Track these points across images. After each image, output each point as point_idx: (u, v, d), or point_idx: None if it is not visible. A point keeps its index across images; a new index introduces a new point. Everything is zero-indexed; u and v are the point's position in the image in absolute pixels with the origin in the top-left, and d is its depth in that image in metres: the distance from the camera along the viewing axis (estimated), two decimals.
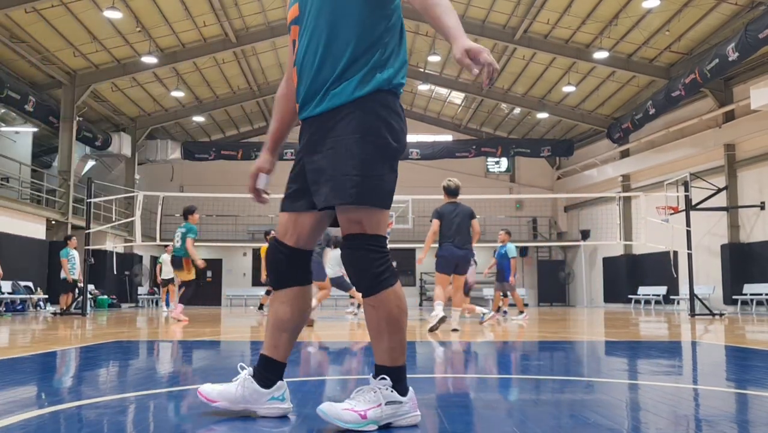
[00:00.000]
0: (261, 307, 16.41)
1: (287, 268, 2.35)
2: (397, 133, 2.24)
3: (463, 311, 10.09)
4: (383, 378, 2.19)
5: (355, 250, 2.19)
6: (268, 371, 2.35)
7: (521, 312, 12.57)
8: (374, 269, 2.17)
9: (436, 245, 8.62)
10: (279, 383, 2.36)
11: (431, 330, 7.89)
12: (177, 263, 11.58)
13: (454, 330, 8.17)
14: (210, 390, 2.40)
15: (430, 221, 8.53)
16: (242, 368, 2.40)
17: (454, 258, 8.36)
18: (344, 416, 2.11)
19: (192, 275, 11.46)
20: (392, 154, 2.24)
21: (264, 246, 14.03)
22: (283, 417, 2.35)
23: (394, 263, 2.33)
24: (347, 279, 12.12)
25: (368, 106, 2.19)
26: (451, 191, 8.67)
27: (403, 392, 2.20)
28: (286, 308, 2.35)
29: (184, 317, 11.23)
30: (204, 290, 29.02)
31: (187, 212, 11.57)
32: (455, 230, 8.34)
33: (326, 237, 9.69)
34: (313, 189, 2.24)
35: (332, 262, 10.62)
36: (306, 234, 2.37)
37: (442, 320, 7.98)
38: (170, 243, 15.33)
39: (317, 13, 2.27)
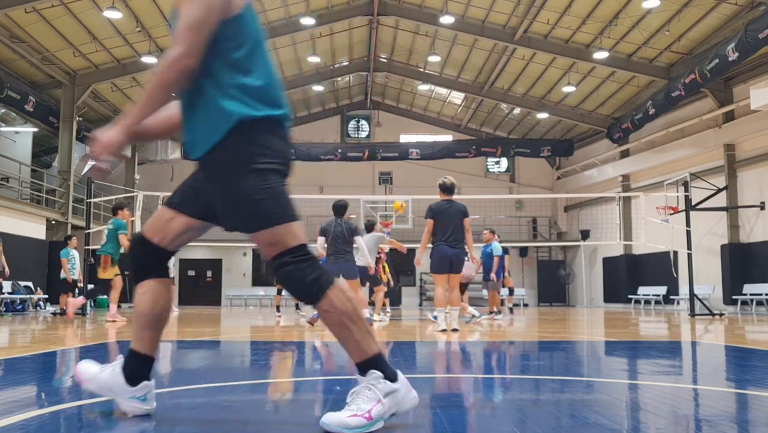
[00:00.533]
0: (297, 307, 15.64)
1: (146, 263, 2.40)
2: (268, 155, 2.21)
3: (462, 310, 10.11)
4: (372, 372, 2.18)
5: (284, 266, 2.21)
6: (135, 366, 2.36)
7: (498, 312, 12.58)
8: (308, 276, 2.20)
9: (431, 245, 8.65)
10: (144, 383, 2.35)
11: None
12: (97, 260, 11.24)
13: (454, 330, 8.18)
14: (86, 369, 2.44)
15: (426, 219, 8.52)
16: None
17: (447, 257, 8.40)
18: (350, 422, 2.08)
19: (109, 274, 11.11)
20: (271, 173, 2.21)
21: None
22: (147, 416, 2.35)
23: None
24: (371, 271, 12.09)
25: (234, 141, 2.19)
26: (447, 188, 8.69)
27: (393, 377, 2.20)
28: (145, 299, 2.41)
29: (121, 318, 10.75)
30: (204, 290, 29.07)
31: (117, 208, 11.33)
32: (450, 229, 8.36)
33: (350, 230, 9.54)
34: (218, 211, 2.31)
35: (364, 250, 10.05)
36: (172, 236, 2.41)
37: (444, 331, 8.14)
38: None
39: None
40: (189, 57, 2.10)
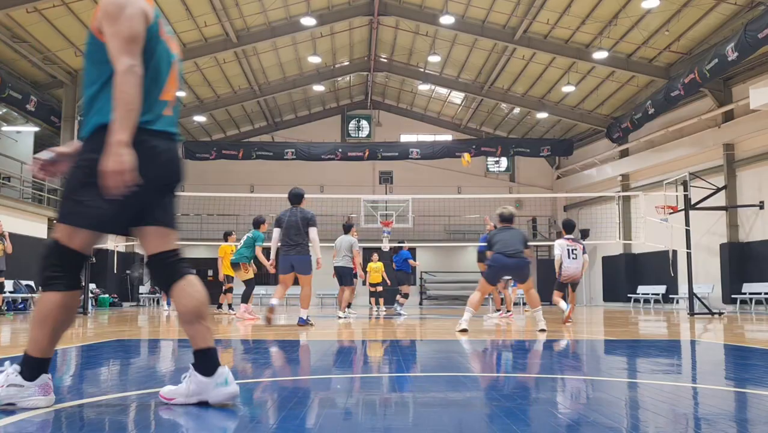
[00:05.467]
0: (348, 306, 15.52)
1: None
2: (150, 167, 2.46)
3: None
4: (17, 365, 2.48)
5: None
6: (203, 360, 2.57)
7: (506, 310, 12.52)
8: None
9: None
10: (219, 369, 2.56)
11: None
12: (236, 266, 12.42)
13: (542, 330, 8.06)
14: (168, 391, 2.62)
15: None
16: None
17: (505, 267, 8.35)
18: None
19: (250, 274, 12.36)
20: (95, 183, 2.37)
21: (223, 245, 13.87)
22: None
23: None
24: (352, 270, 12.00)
25: (91, 143, 2.45)
26: (505, 218, 8.64)
27: (30, 377, 2.45)
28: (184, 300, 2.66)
29: (250, 316, 11.31)
30: (205, 289, 29.03)
31: (259, 222, 12.22)
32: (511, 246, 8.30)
33: (304, 219, 9.00)
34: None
35: (316, 243, 9.26)
36: (159, 241, 2.63)
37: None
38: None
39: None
40: (138, 65, 2.38)
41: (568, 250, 10.30)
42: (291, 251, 9.02)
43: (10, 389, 2.43)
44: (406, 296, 14.92)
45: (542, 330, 7.94)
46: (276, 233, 9.18)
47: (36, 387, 2.46)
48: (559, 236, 12.16)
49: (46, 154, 2.62)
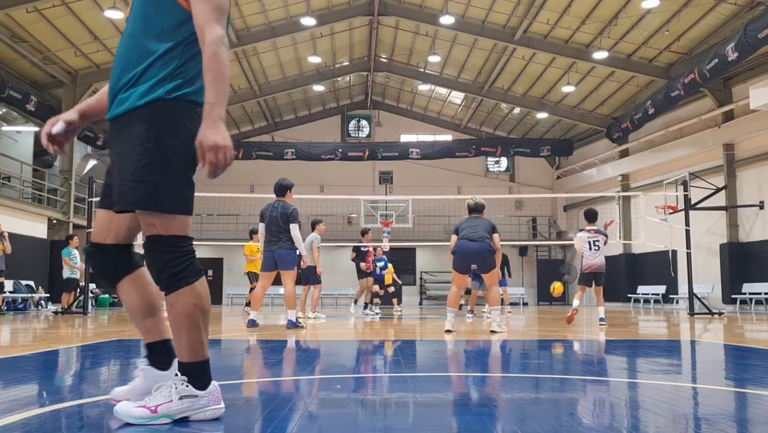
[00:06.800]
0: (367, 305, 14.99)
1: (112, 266, 2.44)
2: (184, 142, 2.22)
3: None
4: (177, 374, 2.28)
5: (150, 251, 2.27)
6: (160, 354, 2.46)
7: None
8: (169, 269, 2.24)
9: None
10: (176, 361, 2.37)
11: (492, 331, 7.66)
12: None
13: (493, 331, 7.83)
14: (116, 393, 2.48)
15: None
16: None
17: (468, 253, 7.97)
18: (135, 412, 2.22)
19: None
20: (176, 161, 2.22)
21: (249, 245, 14.01)
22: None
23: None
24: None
25: (152, 114, 2.20)
26: (471, 209, 8.35)
27: (201, 386, 2.26)
28: (131, 297, 2.45)
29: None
30: None
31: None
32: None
33: (284, 215, 8.67)
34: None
35: (298, 239, 8.83)
36: (124, 231, 2.44)
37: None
38: None
39: (131, 20, 2.34)
40: (225, 35, 2.18)
41: (590, 242, 9.92)
42: (274, 246, 8.63)
43: (184, 401, 2.23)
44: (376, 295, 14.81)
45: (493, 331, 7.60)
46: (261, 227, 8.85)
47: (209, 396, 2.28)
48: (559, 236, 12.13)
49: (59, 127, 2.44)
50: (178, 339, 2.27)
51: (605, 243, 10.04)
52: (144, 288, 2.45)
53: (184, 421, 2.23)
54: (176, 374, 2.27)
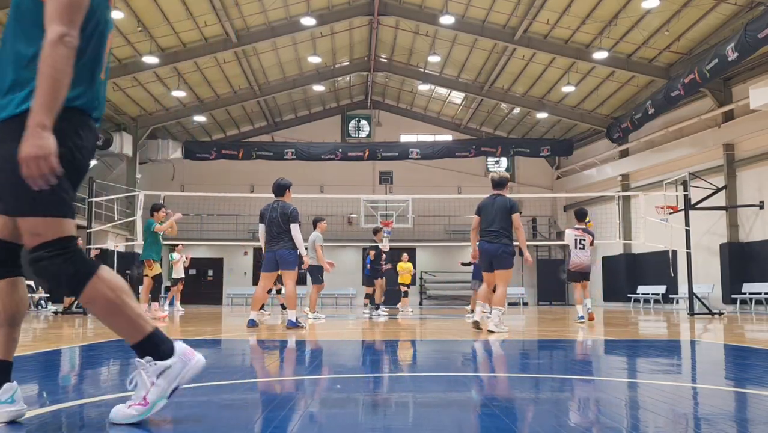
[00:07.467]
0: (377, 307, 14.96)
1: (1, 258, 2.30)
2: (70, 149, 2.14)
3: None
4: (139, 360, 2.22)
5: (41, 260, 2.13)
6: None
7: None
8: (66, 271, 2.13)
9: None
10: (6, 385, 2.28)
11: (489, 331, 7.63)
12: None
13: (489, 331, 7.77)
14: None
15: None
16: None
17: (486, 254, 8.02)
18: (130, 412, 2.20)
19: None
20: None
21: None
22: (15, 422, 2.24)
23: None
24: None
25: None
26: (495, 183, 8.34)
27: (166, 354, 2.22)
28: (4, 299, 2.32)
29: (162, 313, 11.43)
30: (205, 288, 29.09)
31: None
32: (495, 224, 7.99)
33: (284, 215, 8.58)
34: None
35: (299, 239, 8.75)
36: (11, 230, 2.26)
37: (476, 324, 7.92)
38: (180, 243, 15.93)
39: (6, 24, 2.22)
40: (68, 33, 2.02)
41: (576, 239, 10.38)
42: (275, 247, 8.58)
43: (162, 377, 2.21)
44: (368, 296, 14.71)
45: (490, 331, 7.53)
46: (261, 228, 8.79)
47: (180, 357, 2.24)
48: (559, 236, 12.23)
49: None
50: (117, 328, 2.22)
51: (591, 243, 10.47)
52: (19, 294, 2.35)
53: (176, 392, 2.24)
54: (138, 361, 2.22)
